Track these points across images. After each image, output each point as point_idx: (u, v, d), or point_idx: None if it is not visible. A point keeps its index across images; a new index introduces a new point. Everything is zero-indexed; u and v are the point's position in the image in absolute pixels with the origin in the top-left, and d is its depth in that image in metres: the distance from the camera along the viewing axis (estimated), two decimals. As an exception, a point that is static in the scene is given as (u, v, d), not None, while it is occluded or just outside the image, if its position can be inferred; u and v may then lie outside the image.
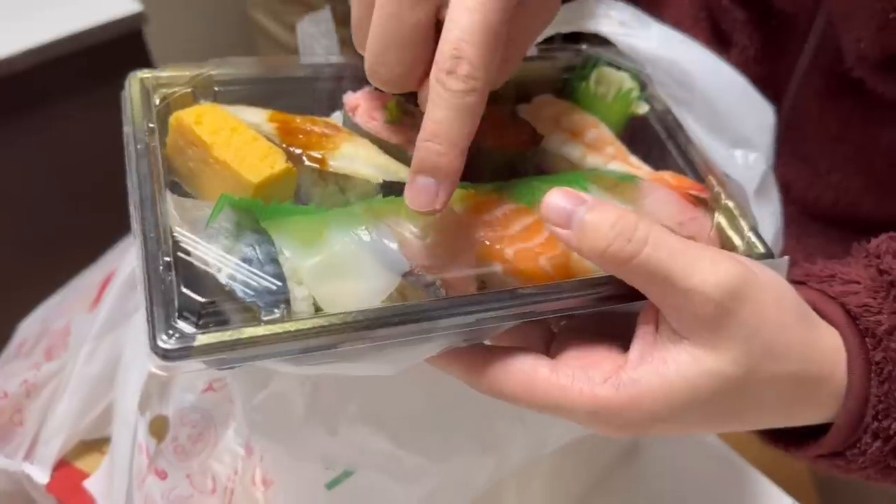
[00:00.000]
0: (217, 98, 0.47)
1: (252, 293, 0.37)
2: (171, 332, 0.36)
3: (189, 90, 0.46)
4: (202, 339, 0.36)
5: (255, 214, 0.41)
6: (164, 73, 0.46)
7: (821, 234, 0.65)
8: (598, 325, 0.43)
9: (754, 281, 0.38)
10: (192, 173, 0.45)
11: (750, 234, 0.45)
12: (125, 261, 0.60)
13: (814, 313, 0.41)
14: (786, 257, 0.43)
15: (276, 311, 0.37)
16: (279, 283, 0.38)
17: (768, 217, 0.52)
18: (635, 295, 0.39)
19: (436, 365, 0.42)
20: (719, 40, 0.64)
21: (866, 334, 0.41)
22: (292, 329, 0.37)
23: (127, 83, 0.45)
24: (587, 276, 0.42)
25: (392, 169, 0.45)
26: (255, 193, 0.42)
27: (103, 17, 0.89)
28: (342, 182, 0.45)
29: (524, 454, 0.53)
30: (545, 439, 0.53)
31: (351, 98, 0.47)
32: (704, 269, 0.37)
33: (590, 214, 0.38)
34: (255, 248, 0.39)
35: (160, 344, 0.35)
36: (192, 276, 0.38)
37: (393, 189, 0.44)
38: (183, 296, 0.37)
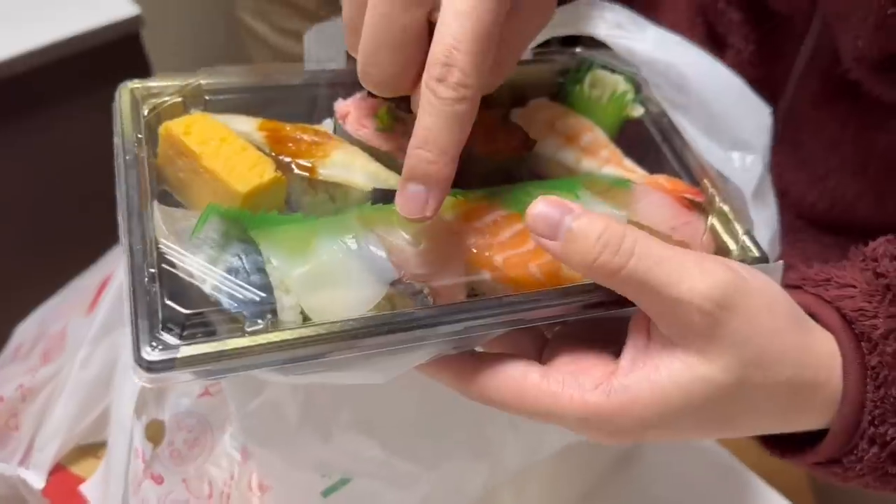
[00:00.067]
0: (208, 107, 0.47)
1: (237, 303, 0.37)
2: (154, 343, 0.35)
3: (179, 100, 0.46)
4: (186, 350, 0.35)
5: (243, 224, 0.41)
6: (154, 83, 0.46)
7: (817, 240, 0.64)
8: (590, 332, 0.43)
9: (745, 288, 0.37)
10: (183, 183, 0.45)
11: (745, 238, 0.45)
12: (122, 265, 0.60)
13: (808, 318, 0.40)
14: (780, 262, 0.42)
15: (260, 321, 0.37)
16: (264, 294, 0.38)
17: (765, 220, 0.51)
18: (626, 301, 0.39)
19: (425, 373, 0.41)
20: (715, 43, 0.63)
21: (862, 339, 0.40)
22: (277, 340, 0.37)
23: (117, 94, 0.45)
24: (578, 282, 0.41)
25: (382, 177, 0.45)
26: (243, 203, 0.42)
27: (101, 21, 0.90)
28: (332, 190, 0.45)
29: (519, 460, 0.52)
30: (540, 445, 0.52)
31: (341, 105, 0.47)
32: (693, 277, 0.37)
33: (576, 223, 0.37)
34: (241, 258, 0.39)
35: (144, 356, 0.35)
36: (178, 287, 0.38)
37: (383, 197, 0.44)
38: (167, 307, 0.37)
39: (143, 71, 0.51)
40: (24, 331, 0.66)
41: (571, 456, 0.58)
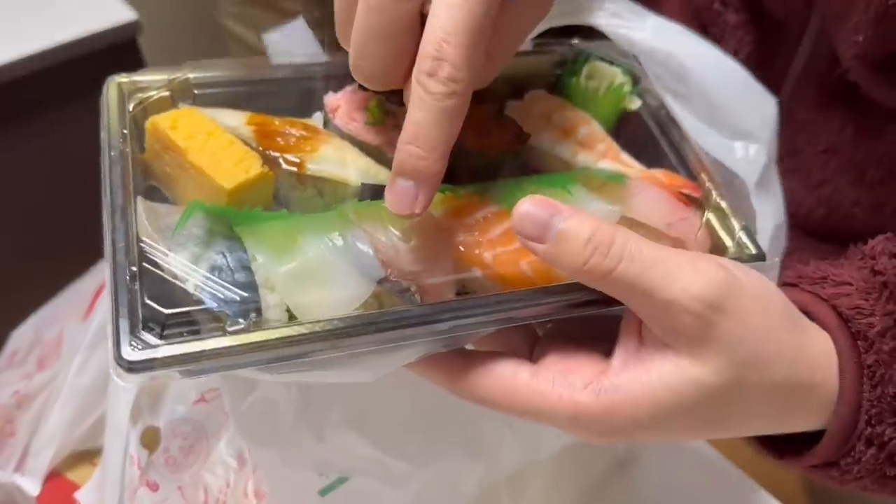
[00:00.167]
0: (196, 101, 0.46)
1: (219, 303, 0.37)
2: (135, 343, 0.35)
3: (167, 94, 0.45)
4: (166, 350, 0.35)
5: (227, 220, 0.40)
6: (142, 78, 0.45)
7: (813, 249, 0.63)
8: (582, 330, 0.42)
9: (738, 288, 0.36)
10: (170, 178, 0.44)
11: (741, 235, 0.44)
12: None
13: (804, 317, 0.40)
14: (776, 259, 0.41)
15: (242, 321, 0.36)
16: (248, 293, 0.37)
17: (770, 211, 0.50)
18: (618, 300, 0.38)
19: (414, 371, 0.41)
20: None
21: (858, 337, 0.39)
22: (259, 340, 0.36)
23: (104, 88, 0.45)
24: (569, 280, 0.40)
25: (372, 172, 0.44)
26: (229, 199, 0.42)
27: (99, 26, 0.90)
28: (321, 185, 0.44)
29: (516, 459, 0.52)
30: (537, 444, 0.52)
31: (331, 99, 0.46)
32: (684, 279, 0.36)
33: (565, 225, 0.36)
34: (225, 256, 0.39)
35: (124, 355, 0.35)
36: (161, 285, 0.37)
37: (373, 192, 0.43)
38: (147, 306, 0.36)
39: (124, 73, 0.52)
40: (20, 336, 0.66)
41: (568, 460, 0.57)
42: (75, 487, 0.59)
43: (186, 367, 0.35)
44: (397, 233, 0.40)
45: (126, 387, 0.35)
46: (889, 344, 0.38)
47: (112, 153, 0.42)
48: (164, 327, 0.36)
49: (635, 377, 0.37)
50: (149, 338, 0.35)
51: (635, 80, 0.50)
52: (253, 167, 0.43)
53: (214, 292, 0.37)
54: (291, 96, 0.48)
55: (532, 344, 0.43)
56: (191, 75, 0.46)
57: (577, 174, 0.45)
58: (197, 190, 0.43)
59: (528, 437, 0.51)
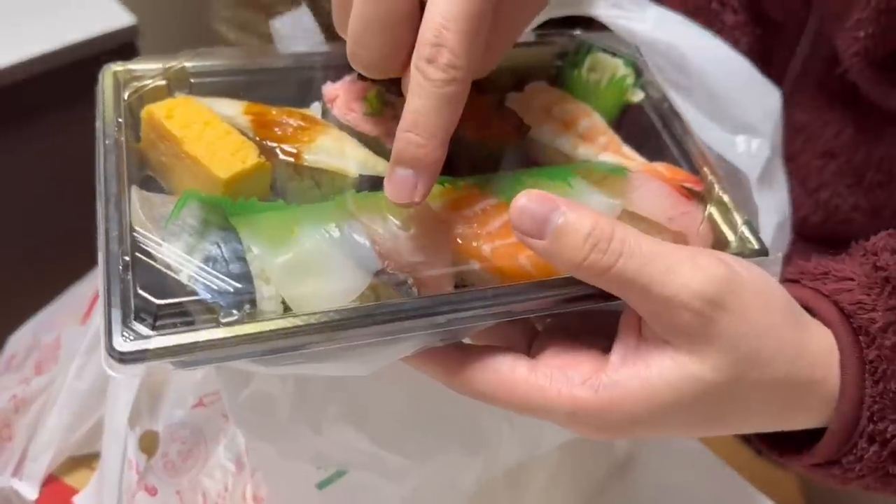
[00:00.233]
0: (193, 90, 0.46)
1: (213, 293, 0.36)
2: (126, 333, 0.35)
3: (163, 83, 0.45)
4: (158, 341, 0.35)
5: (222, 211, 0.39)
6: (137, 66, 0.45)
7: (810, 255, 0.63)
8: (581, 325, 0.41)
9: (739, 284, 0.36)
10: (165, 168, 0.44)
11: (744, 229, 0.43)
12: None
13: (805, 314, 0.39)
14: (779, 255, 0.41)
15: (236, 312, 0.36)
16: (242, 284, 0.37)
17: (773, 206, 0.49)
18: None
19: (411, 365, 0.40)
20: None
21: (860, 332, 0.38)
22: (253, 331, 0.36)
23: (100, 77, 0.44)
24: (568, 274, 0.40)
25: (370, 163, 0.44)
26: (225, 189, 0.41)
27: (97, 30, 0.89)
28: (318, 176, 0.43)
29: (516, 455, 0.51)
30: (537, 439, 0.51)
31: (330, 89, 0.46)
32: (684, 275, 0.35)
33: (563, 220, 0.36)
34: (220, 246, 0.38)
35: (115, 346, 0.34)
36: (154, 276, 0.37)
37: (370, 184, 0.43)
38: (140, 297, 0.36)
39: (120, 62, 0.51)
40: (18, 340, 0.66)
41: (567, 465, 0.57)
42: (73, 492, 0.59)
43: (179, 358, 0.35)
44: (395, 224, 0.40)
45: (116, 377, 0.35)
46: (891, 339, 0.38)
47: (107, 142, 0.41)
48: (157, 318, 0.36)
49: (634, 373, 0.37)
50: (141, 328, 0.35)
51: (637, 73, 0.49)
52: (249, 157, 0.42)
53: (208, 283, 0.36)
54: (289, 86, 0.47)
55: (530, 339, 0.42)
56: (187, 64, 0.45)
57: (578, 167, 0.45)
58: (193, 180, 0.42)
59: (527, 432, 0.51)
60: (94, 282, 0.64)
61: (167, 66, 0.45)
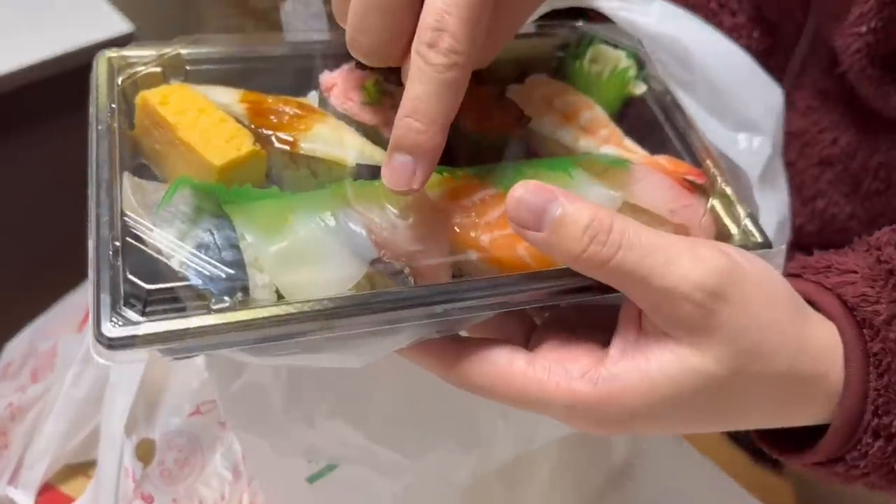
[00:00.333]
0: (188, 78, 0.45)
1: (204, 280, 0.35)
2: (115, 319, 0.34)
3: (158, 70, 0.44)
4: (148, 327, 0.34)
5: (216, 198, 0.39)
6: (133, 52, 0.44)
7: None
8: (580, 319, 0.41)
9: (740, 275, 0.35)
10: (159, 155, 0.43)
11: (747, 222, 0.42)
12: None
13: (808, 307, 0.38)
14: (782, 247, 0.40)
15: (227, 299, 0.35)
16: (234, 270, 0.36)
17: (774, 205, 0.49)
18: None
19: (406, 357, 0.40)
20: None
21: (864, 325, 0.38)
22: (245, 319, 0.35)
23: (94, 63, 0.44)
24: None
25: (367, 152, 0.43)
26: (219, 176, 0.40)
27: (95, 37, 0.88)
28: (314, 165, 0.43)
29: (510, 450, 0.50)
30: (532, 435, 0.50)
31: (327, 77, 0.45)
32: (685, 266, 0.35)
33: (561, 212, 0.35)
34: (213, 233, 0.37)
35: (104, 331, 0.33)
36: (145, 262, 0.36)
37: (367, 173, 0.42)
38: (130, 282, 0.35)
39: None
40: (14, 348, 0.66)
41: (565, 472, 0.57)
42: (69, 500, 0.58)
43: (169, 345, 0.34)
44: (392, 213, 0.39)
45: (105, 363, 0.34)
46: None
47: (99, 127, 0.41)
48: (147, 304, 0.35)
49: (634, 366, 0.36)
50: (130, 314, 0.34)
51: (640, 65, 0.48)
52: (244, 145, 0.41)
53: (200, 269, 0.35)
54: (286, 75, 0.46)
55: (528, 332, 0.42)
56: (183, 51, 0.45)
57: (580, 158, 0.44)
58: (186, 167, 0.41)
59: (523, 427, 0.50)
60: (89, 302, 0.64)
61: (162, 52, 0.44)
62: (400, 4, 0.37)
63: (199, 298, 0.36)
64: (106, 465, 0.54)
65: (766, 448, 0.43)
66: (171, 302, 0.36)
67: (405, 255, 0.38)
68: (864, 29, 0.49)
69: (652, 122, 0.48)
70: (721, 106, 0.49)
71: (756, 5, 0.57)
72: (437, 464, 0.49)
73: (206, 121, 0.42)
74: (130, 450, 0.54)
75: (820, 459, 0.39)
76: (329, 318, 0.36)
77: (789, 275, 0.42)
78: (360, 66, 0.45)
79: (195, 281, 0.35)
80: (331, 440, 0.47)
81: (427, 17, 0.36)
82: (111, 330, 0.34)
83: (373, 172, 0.42)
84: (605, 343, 0.38)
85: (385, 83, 0.45)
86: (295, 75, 0.46)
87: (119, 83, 0.42)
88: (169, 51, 0.44)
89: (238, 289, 0.36)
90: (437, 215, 0.40)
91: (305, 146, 0.42)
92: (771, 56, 0.58)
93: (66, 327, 0.64)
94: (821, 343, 0.37)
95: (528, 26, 0.50)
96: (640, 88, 0.48)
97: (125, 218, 0.37)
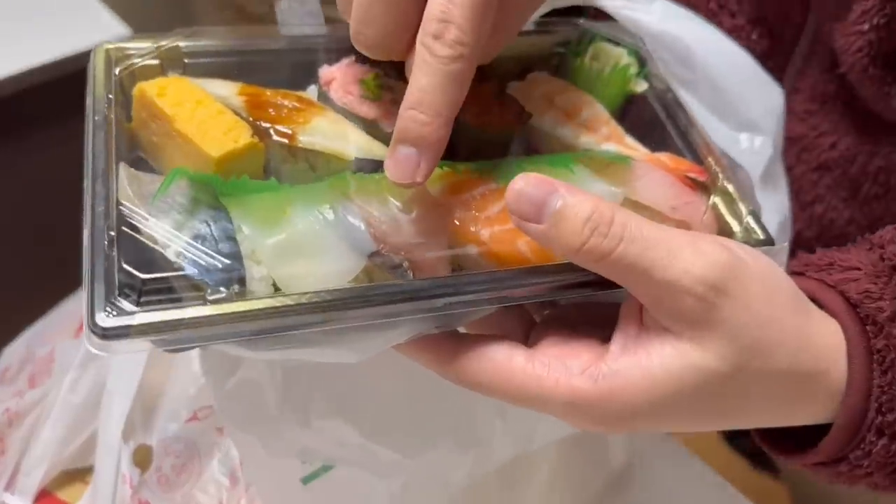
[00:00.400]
0: (187, 71, 0.45)
1: (201, 270, 0.35)
2: (109, 309, 0.33)
3: (156, 62, 0.44)
4: (142, 317, 0.33)
5: (213, 189, 0.38)
6: (130, 45, 0.44)
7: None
8: (581, 315, 0.40)
9: (742, 270, 0.35)
10: (156, 147, 0.42)
11: (749, 219, 0.42)
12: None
13: (811, 304, 0.38)
14: (785, 244, 0.40)
15: (223, 290, 0.35)
16: (231, 261, 0.36)
17: (775, 205, 0.48)
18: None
19: (404, 353, 0.39)
20: None
21: (867, 322, 0.37)
22: (241, 310, 0.34)
23: (92, 55, 0.43)
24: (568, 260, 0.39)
25: (366, 146, 0.43)
26: (216, 168, 0.40)
27: (93, 42, 0.88)
28: (313, 159, 0.42)
29: (508, 451, 0.50)
30: (530, 435, 0.50)
31: (327, 71, 0.45)
32: (686, 259, 0.34)
33: (562, 204, 0.35)
34: (209, 225, 0.37)
35: (98, 321, 0.33)
36: (140, 252, 0.36)
37: (366, 166, 0.42)
38: (125, 272, 0.34)
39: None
40: (11, 354, 0.65)
41: (564, 478, 0.56)
42: None
43: (163, 335, 0.34)
44: (391, 207, 0.38)
45: (99, 354, 0.33)
46: None
47: (96, 118, 0.40)
48: (142, 294, 0.34)
49: (635, 362, 0.36)
50: (125, 304, 0.33)
51: (641, 62, 0.48)
52: (242, 137, 0.41)
53: (196, 259, 0.35)
54: (285, 68, 0.46)
55: (528, 329, 0.41)
56: (181, 43, 0.44)
57: (581, 154, 0.44)
58: (184, 159, 0.41)
59: (522, 427, 0.49)
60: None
61: (160, 44, 0.44)
62: None
63: (195, 289, 0.36)
64: (103, 472, 0.53)
65: (768, 448, 0.42)
66: (167, 292, 0.36)
67: (404, 249, 0.38)
68: (866, 27, 0.49)
69: (653, 119, 0.47)
70: (722, 105, 0.49)
71: (755, 6, 0.57)
72: (435, 463, 0.48)
73: (203, 113, 0.41)
74: (128, 456, 0.54)
75: (822, 459, 0.39)
76: (326, 310, 0.35)
77: (792, 272, 0.41)
78: (359, 60, 0.45)
79: (191, 271, 0.35)
80: (326, 439, 0.47)
81: (433, 8, 0.36)
82: (105, 320, 0.33)
83: (372, 166, 0.42)
84: (605, 340, 0.38)
85: (384, 77, 0.45)
86: (294, 69, 0.46)
87: (116, 74, 0.42)
88: (167, 43, 0.44)
89: (234, 280, 0.35)
90: (437, 209, 0.40)
91: (304, 139, 0.42)
92: (770, 58, 0.58)
93: (64, 332, 0.64)
94: (823, 341, 0.37)
95: (529, 24, 0.50)
96: (641, 86, 0.48)
97: (121, 207, 0.36)
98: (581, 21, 0.50)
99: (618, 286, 0.36)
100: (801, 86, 0.57)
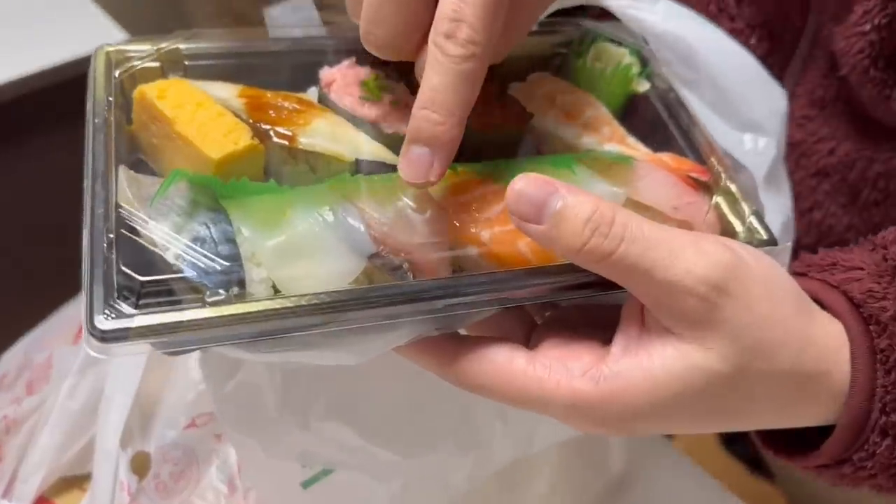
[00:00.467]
0: (187, 73, 0.45)
1: (200, 272, 0.35)
2: (108, 311, 0.33)
3: (157, 64, 0.44)
4: (141, 320, 0.33)
5: (212, 191, 0.38)
6: (131, 47, 0.44)
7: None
8: (582, 317, 0.40)
9: (744, 271, 0.35)
10: (156, 149, 0.42)
11: (752, 219, 0.42)
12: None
13: (813, 305, 0.38)
14: (787, 244, 0.39)
15: (222, 292, 0.35)
16: (229, 263, 0.35)
17: (778, 206, 0.48)
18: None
19: (404, 355, 0.39)
20: None
21: (870, 321, 0.37)
22: (240, 312, 0.34)
23: (92, 57, 0.43)
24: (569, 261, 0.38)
25: (366, 147, 0.43)
26: (216, 170, 0.40)
27: (92, 48, 0.88)
28: (313, 160, 0.42)
29: (509, 453, 0.50)
30: (531, 437, 0.50)
31: (327, 73, 0.45)
32: (688, 259, 0.34)
33: (562, 205, 0.34)
34: (209, 227, 0.37)
35: (97, 324, 0.33)
36: (139, 254, 0.35)
37: (366, 168, 0.42)
38: (124, 274, 0.34)
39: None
40: (9, 360, 0.65)
41: (562, 485, 0.56)
42: None
43: (162, 338, 0.34)
44: (391, 208, 0.38)
45: (98, 357, 0.33)
46: None
47: (96, 120, 0.40)
48: (140, 296, 0.34)
49: (636, 363, 0.36)
50: (124, 307, 0.33)
51: (643, 62, 0.48)
52: (242, 139, 0.41)
53: (195, 261, 0.35)
54: (286, 71, 0.46)
55: (528, 331, 0.41)
56: (182, 46, 0.44)
57: (583, 155, 0.44)
58: (184, 161, 0.41)
59: (522, 429, 0.49)
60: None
61: (160, 46, 0.44)
62: None
63: (194, 292, 0.36)
64: (101, 479, 0.53)
65: (771, 451, 0.42)
66: (166, 295, 0.35)
67: (404, 250, 0.38)
68: (867, 27, 0.49)
69: (655, 119, 0.47)
70: (726, 106, 0.48)
71: (754, 10, 0.57)
72: (435, 465, 0.48)
73: (203, 115, 0.41)
74: (125, 463, 0.54)
75: (826, 461, 0.39)
76: (326, 312, 0.35)
77: (794, 273, 0.41)
78: (360, 62, 0.45)
79: (190, 273, 0.35)
80: (326, 442, 0.47)
81: (444, 7, 0.35)
82: (104, 322, 0.33)
83: (372, 168, 0.42)
84: (606, 341, 0.38)
85: (385, 79, 0.45)
86: (294, 71, 0.46)
87: (116, 76, 0.42)
88: (167, 45, 0.44)
89: (234, 282, 0.35)
90: (438, 211, 0.39)
91: (304, 141, 0.42)
92: (768, 62, 0.57)
93: (62, 339, 0.63)
94: (824, 342, 0.36)
95: (530, 24, 0.50)
96: (643, 86, 0.48)
97: (120, 210, 0.36)
98: (582, 21, 0.50)
99: (619, 287, 0.36)
100: (799, 91, 0.57)
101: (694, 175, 0.43)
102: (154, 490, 0.55)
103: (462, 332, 0.40)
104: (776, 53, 0.57)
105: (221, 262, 0.35)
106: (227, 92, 0.43)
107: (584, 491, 0.60)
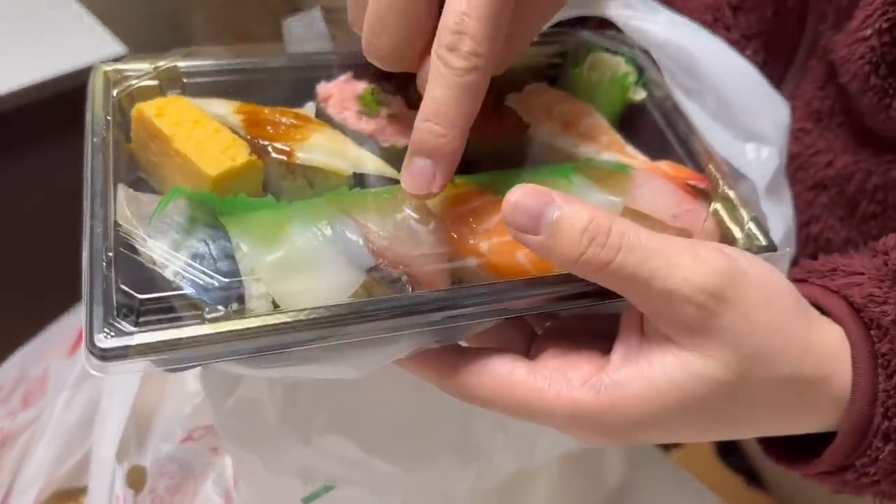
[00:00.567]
0: (186, 90, 0.45)
1: (198, 289, 0.35)
2: (108, 330, 0.33)
3: (155, 82, 0.44)
4: (141, 337, 0.33)
5: (211, 208, 0.38)
6: (128, 66, 0.44)
7: None
8: (582, 326, 0.40)
9: (743, 277, 0.34)
10: (155, 167, 0.43)
11: (751, 225, 0.42)
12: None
13: (814, 311, 0.37)
14: (787, 250, 0.39)
15: (221, 308, 0.35)
16: (228, 280, 0.36)
17: (780, 216, 0.48)
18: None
19: (404, 367, 0.39)
20: None
21: (871, 326, 0.37)
22: (239, 328, 0.34)
23: (91, 76, 0.44)
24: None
25: (364, 161, 0.43)
26: (214, 187, 0.40)
27: (88, 60, 0.88)
28: (311, 175, 0.42)
29: (510, 465, 0.49)
30: (532, 450, 0.49)
31: (324, 88, 0.45)
32: (686, 268, 0.34)
33: (558, 215, 0.34)
34: (207, 244, 0.37)
35: (96, 342, 0.33)
36: (138, 272, 0.36)
37: (364, 181, 0.42)
38: (123, 292, 0.34)
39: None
40: (5, 373, 0.65)
41: (564, 492, 0.56)
42: None
43: (162, 355, 0.34)
44: (389, 221, 0.38)
45: (98, 375, 0.33)
46: None
47: (94, 139, 0.40)
48: (140, 314, 0.34)
49: (636, 372, 0.35)
50: (123, 325, 0.34)
51: (639, 71, 0.48)
52: (240, 155, 0.41)
53: (194, 279, 0.35)
54: (283, 86, 0.46)
55: (528, 341, 0.41)
56: (180, 63, 0.45)
57: (580, 165, 0.44)
58: (182, 178, 0.41)
59: (523, 441, 0.49)
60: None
61: (157, 65, 0.44)
62: (418, 7, 0.37)
63: (194, 308, 0.36)
64: (97, 492, 0.53)
65: (773, 458, 0.42)
66: (165, 312, 0.35)
67: (403, 263, 0.38)
68: (868, 32, 0.49)
69: (653, 127, 0.47)
70: (728, 116, 0.48)
71: (751, 21, 0.57)
72: (436, 478, 0.48)
73: (201, 132, 0.42)
74: (121, 477, 0.53)
75: (828, 468, 0.38)
76: (326, 326, 0.35)
77: (794, 279, 0.41)
78: (357, 76, 0.45)
79: (189, 290, 0.35)
80: (327, 456, 0.46)
81: (447, 19, 0.36)
82: (104, 341, 0.33)
83: (370, 181, 0.42)
84: (606, 351, 0.38)
85: (381, 93, 0.45)
86: (292, 86, 0.46)
87: (114, 95, 0.42)
88: (164, 63, 0.44)
89: (233, 298, 0.36)
90: (436, 222, 0.39)
91: (302, 156, 0.42)
92: (765, 74, 0.57)
93: (57, 351, 0.64)
94: (825, 347, 0.36)
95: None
96: (639, 94, 0.48)
97: (119, 229, 0.36)
98: (578, 31, 0.50)
99: (618, 296, 0.36)
100: (796, 103, 0.57)
101: (692, 182, 0.43)
102: (150, 504, 0.54)
103: (462, 343, 0.40)
104: (772, 64, 0.57)
105: (220, 278, 0.35)
106: (225, 108, 0.43)
107: (584, 502, 0.60)
